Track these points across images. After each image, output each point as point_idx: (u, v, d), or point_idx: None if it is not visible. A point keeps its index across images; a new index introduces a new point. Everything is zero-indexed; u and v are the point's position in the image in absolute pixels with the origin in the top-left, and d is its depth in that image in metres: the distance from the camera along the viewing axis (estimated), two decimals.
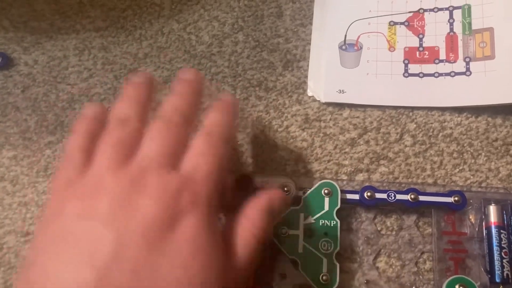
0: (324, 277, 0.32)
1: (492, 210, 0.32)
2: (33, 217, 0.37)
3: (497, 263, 0.31)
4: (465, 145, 0.36)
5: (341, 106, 0.38)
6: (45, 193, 0.37)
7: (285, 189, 0.34)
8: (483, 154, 0.35)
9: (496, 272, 0.31)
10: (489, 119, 0.36)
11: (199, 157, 0.26)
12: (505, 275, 0.30)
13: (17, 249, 0.36)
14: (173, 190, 0.25)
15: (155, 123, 0.27)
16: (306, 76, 0.39)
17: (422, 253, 0.33)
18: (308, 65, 0.39)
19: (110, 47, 0.41)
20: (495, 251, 0.31)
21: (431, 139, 0.36)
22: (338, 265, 0.32)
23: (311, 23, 0.40)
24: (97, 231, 0.24)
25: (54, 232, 0.25)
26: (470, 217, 0.33)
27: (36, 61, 0.42)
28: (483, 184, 0.35)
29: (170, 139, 0.27)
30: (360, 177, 0.36)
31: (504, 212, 0.32)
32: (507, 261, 0.31)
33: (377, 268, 0.33)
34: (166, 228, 0.24)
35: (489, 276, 0.31)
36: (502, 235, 0.31)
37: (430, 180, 0.35)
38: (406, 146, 0.36)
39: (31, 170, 0.38)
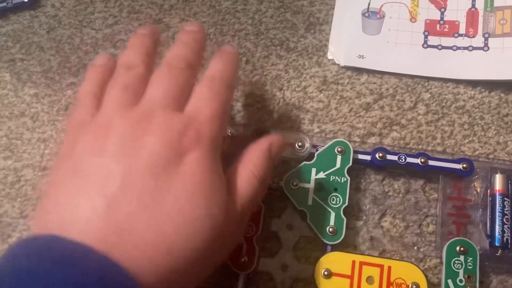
0: (330, 229, 0.33)
1: (498, 178, 0.33)
2: (51, 153, 0.38)
3: (498, 228, 0.32)
4: (476, 117, 0.37)
5: (359, 71, 0.39)
6: (64, 131, 0.38)
7: (299, 144, 0.35)
8: (493, 127, 0.36)
9: (497, 236, 0.32)
10: (502, 94, 0.37)
11: (202, 101, 0.28)
12: (505, 239, 0.32)
13: (34, 182, 0.37)
14: (177, 129, 0.26)
15: (161, 69, 0.29)
16: (327, 40, 0.40)
17: (427, 216, 0.35)
18: (330, 29, 0.40)
19: None
20: (497, 217, 0.32)
21: (444, 109, 0.37)
22: (345, 219, 0.33)
23: None
24: (106, 166, 0.25)
25: (67, 167, 0.26)
26: (476, 185, 0.34)
27: (63, 4, 0.42)
28: (491, 156, 0.36)
29: (174, 83, 0.28)
30: (372, 140, 0.37)
31: (509, 181, 0.33)
32: (507, 227, 0.32)
33: (382, 227, 0.35)
34: (170, 163, 0.25)
35: (489, 240, 0.32)
36: (505, 203, 0.32)
37: (439, 148, 0.36)
38: (419, 114, 0.37)
39: (52, 108, 0.39)
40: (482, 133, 0.36)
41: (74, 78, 0.40)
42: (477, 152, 0.36)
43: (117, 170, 0.25)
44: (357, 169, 0.35)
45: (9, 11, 0.42)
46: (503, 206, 0.32)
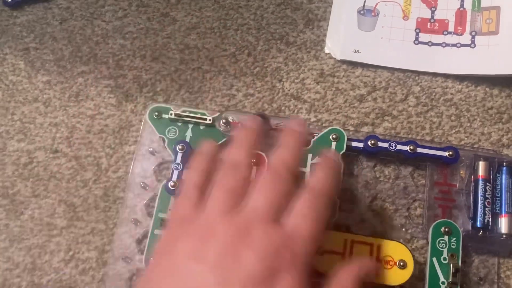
0: None
1: (481, 165, 0.35)
2: (62, 137, 0.40)
3: (480, 211, 0.34)
4: (463, 110, 0.39)
5: (354, 64, 0.41)
6: (75, 116, 0.41)
7: None
8: (478, 119, 0.39)
9: (479, 218, 0.34)
10: (487, 89, 0.40)
11: (302, 218, 0.28)
12: (486, 221, 0.34)
13: (45, 164, 0.39)
14: (276, 247, 0.27)
15: (265, 176, 0.29)
16: (324, 35, 0.42)
17: (414, 200, 0.37)
18: (327, 25, 0.42)
19: None
20: (479, 200, 0.35)
21: (433, 102, 0.40)
22: (338, 201, 0.36)
23: None
24: (203, 274, 0.26)
25: (165, 267, 0.27)
26: (461, 172, 0.37)
27: None
28: (476, 146, 0.38)
29: (276, 193, 0.29)
30: (365, 129, 0.39)
31: (491, 168, 0.35)
32: (488, 210, 0.34)
33: (373, 210, 0.37)
34: (264, 283, 0.26)
35: (472, 222, 0.35)
36: (487, 187, 0.35)
37: (428, 138, 0.39)
38: (409, 106, 0.40)
39: (63, 94, 0.41)
40: (468, 124, 0.39)
41: (85, 66, 0.42)
42: (463, 142, 0.38)
43: (213, 281, 0.26)
44: (351, 155, 0.38)
45: (24, 3, 0.44)
46: (485, 191, 0.35)
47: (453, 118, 0.39)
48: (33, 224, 0.38)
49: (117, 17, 0.44)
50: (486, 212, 0.34)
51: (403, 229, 0.36)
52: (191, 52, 0.42)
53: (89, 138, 0.40)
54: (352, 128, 0.39)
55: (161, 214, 0.36)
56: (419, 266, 0.35)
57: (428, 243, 0.35)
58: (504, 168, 0.35)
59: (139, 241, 0.36)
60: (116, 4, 0.44)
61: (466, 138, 0.38)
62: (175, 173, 0.36)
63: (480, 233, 0.34)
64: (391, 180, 0.38)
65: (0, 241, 0.37)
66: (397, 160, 0.38)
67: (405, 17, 0.42)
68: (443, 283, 0.33)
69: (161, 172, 0.38)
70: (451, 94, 0.40)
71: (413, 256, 0.34)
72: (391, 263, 0.34)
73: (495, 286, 0.35)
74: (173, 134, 0.38)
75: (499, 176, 0.35)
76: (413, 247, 0.36)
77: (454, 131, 0.39)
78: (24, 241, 0.37)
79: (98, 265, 0.37)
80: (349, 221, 0.37)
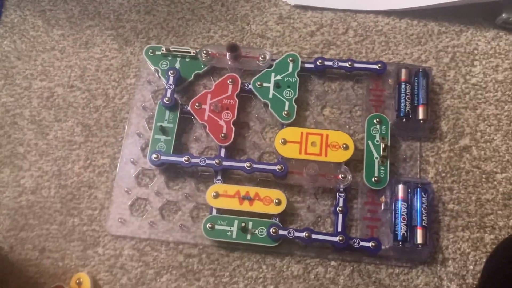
0: (285, 113, 0.46)
1: (403, 72, 0.46)
2: (76, 76, 0.50)
3: (402, 104, 0.45)
4: (390, 37, 0.50)
5: (305, 8, 0.52)
6: (86, 59, 0.51)
7: (262, 56, 0.48)
8: (402, 43, 0.50)
9: (402, 109, 0.45)
10: (409, 20, 0.51)
11: None
12: (407, 110, 0.45)
13: (64, 96, 0.49)
14: None
15: None
16: None
17: (355, 105, 0.48)
18: None
19: None
20: (402, 97, 0.45)
21: (367, 33, 0.51)
22: (295, 106, 0.46)
23: None
24: None
25: None
26: (389, 81, 0.47)
27: None
28: (401, 63, 0.49)
29: None
30: (315, 56, 0.50)
31: (410, 74, 0.46)
32: (409, 103, 0.45)
33: (323, 114, 0.48)
34: None
35: (397, 113, 0.45)
36: (407, 87, 0.46)
37: (364, 60, 0.49)
38: (349, 37, 0.51)
39: (75, 43, 0.52)
40: (395, 47, 0.50)
41: (91, 21, 0.52)
42: (391, 61, 0.49)
43: None
44: (305, 76, 0.49)
45: None
46: (406, 90, 0.46)
47: (383, 43, 0.50)
48: (57, 142, 0.48)
49: None
50: (407, 104, 0.45)
51: (347, 127, 0.47)
52: (176, 6, 0.53)
53: (98, 75, 0.50)
54: (306, 56, 0.50)
55: (159, 123, 0.46)
56: (360, 152, 0.45)
57: (365, 132, 0.45)
58: (420, 73, 0.46)
59: (143, 149, 0.47)
60: None
61: (393, 58, 0.49)
62: (168, 91, 0.46)
63: (403, 120, 0.45)
64: (336, 92, 0.48)
65: (32, 156, 0.47)
66: (341, 77, 0.49)
67: None
68: (376, 158, 0.44)
69: (157, 97, 0.49)
70: (381, 26, 0.51)
71: (353, 140, 0.45)
72: (336, 146, 0.44)
73: (418, 163, 0.45)
74: (165, 66, 0.49)
75: (416, 79, 0.46)
76: (355, 139, 0.46)
77: (384, 53, 0.50)
78: (51, 155, 0.47)
79: (111, 168, 0.47)
80: (305, 124, 0.47)
